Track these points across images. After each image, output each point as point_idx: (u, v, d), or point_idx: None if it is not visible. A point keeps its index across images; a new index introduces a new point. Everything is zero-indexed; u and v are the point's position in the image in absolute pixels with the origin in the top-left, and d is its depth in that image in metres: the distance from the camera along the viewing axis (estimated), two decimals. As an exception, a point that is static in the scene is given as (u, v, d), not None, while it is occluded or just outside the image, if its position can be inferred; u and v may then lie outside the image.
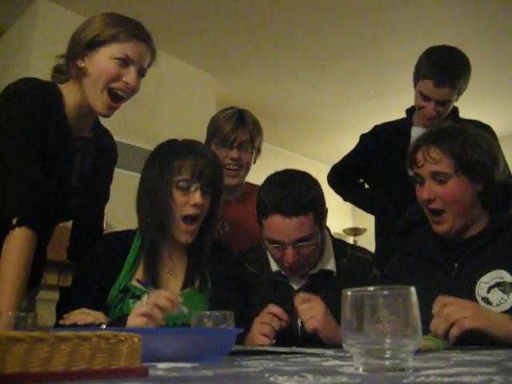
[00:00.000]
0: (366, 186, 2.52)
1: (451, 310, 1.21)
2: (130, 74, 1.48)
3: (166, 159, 1.46)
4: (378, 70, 4.80)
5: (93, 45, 1.47)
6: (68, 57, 1.52)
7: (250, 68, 4.88)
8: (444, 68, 2.06)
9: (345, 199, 2.53)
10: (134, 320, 1.16)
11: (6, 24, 4.08)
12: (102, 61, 1.47)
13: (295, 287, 1.61)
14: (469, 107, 5.84)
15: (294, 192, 1.49)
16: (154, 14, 3.95)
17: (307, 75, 5.00)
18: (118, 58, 1.46)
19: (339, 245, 1.72)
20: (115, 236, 1.60)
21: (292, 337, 1.50)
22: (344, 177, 2.45)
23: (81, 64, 1.48)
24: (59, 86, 1.56)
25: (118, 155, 1.80)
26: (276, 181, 1.55)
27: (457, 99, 2.17)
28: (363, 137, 2.45)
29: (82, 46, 1.48)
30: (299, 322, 1.53)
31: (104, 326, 1.21)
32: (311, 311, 1.36)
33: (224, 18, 4.09)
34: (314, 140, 6.49)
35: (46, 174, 1.46)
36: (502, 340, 1.19)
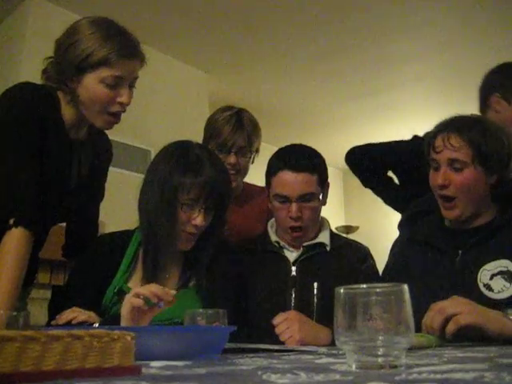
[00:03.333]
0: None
1: (445, 305, 1.22)
2: (124, 94, 1.46)
3: (176, 171, 1.40)
4: (368, 68, 4.80)
5: (82, 68, 1.43)
6: (57, 74, 1.48)
7: (242, 66, 4.88)
8: None
9: (366, 184, 2.34)
10: (129, 302, 1.16)
11: (-4, 21, 4.05)
12: (93, 86, 1.44)
13: (291, 259, 1.66)
14: (461, 104, 5.83)
15: (303, 152, 1.67)
16: (148, 12, 3.94)
17: (299, 73, 5.00)
18: (107, 84, 1.44)
19: (337, 234, 1.82)
20: (111, 237, 1.58)
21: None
22: (380, 162, 2.28)
23: (71, 85, 1.46)
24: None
25: (113, 154, 1.79)
26: (286, 147, 1.72)
27: None
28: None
29: (71, 69, 1.44)
30: (292, 297, 1.61)
31: (96, 325, 1.20)
32: (288, 331, 1.36)
33: (217, 16, 4.08)
34: (306, 138, 6.44)
35: (43, 177, 1.45)
36: (496, 335, 1.20)
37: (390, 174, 2.36)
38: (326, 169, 1.70)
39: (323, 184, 1.67)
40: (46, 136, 1.46)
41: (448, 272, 1.47)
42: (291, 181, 1.60)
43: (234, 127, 1.92)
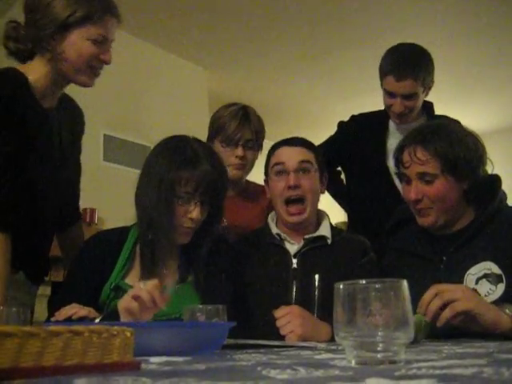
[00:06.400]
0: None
1: (445, 288, 1.22)
2: (108, 53, 1.52)
3: (173, 165, 1.41)
4: (367, 65, 4.77)
5: (67, 25, 1.45)
6: (33, 35, 1.48)
7: (242, 63, 4.87)
8: (403, 61, 2.08)
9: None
10: (125, 306, 1.16)
11: (-5, 17, 4.04)
12: (80, 42, 1.47)
13: (291, 252, 1.66)
14: (457, 103, 5.84)
15: (301, 137, 1.75)
16: (147, 9, 3.93)
17: (299, 70, 5.00)
18: (93, 40, 1.48)
19: (337, 228, 1.81)
20: (108, 233, 1.59)
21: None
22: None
23: (52, 43, 1.47)
24: (20, 66, 1.52)
25: (85, 123, 1.79)
26: None
27: (426, 94, 2.17)
28: (341, 124, 2.45)
29: (53, 27, 1.45)
30: (294, 290, 1.60)
31: (97, 320, 1.20)
32: (289, 326, 1.35)
33: (217, 13, 4.07)
34: (305, 135, 6.42)
35: (27, 155, 1.46)
36: (491, 325, 1.21)
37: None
38: (321, 155, 1.74)
39: (320, 164, 1.70)
40: (21, 115, 1.45)
41: (434, 279, 1.45)
42: (289, 152, 1.66)
43: (241, 121, 1.94)
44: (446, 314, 1.19)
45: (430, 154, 1.45)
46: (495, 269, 1.41)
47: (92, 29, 1.47)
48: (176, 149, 1.45)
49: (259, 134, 1.99)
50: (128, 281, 1.45)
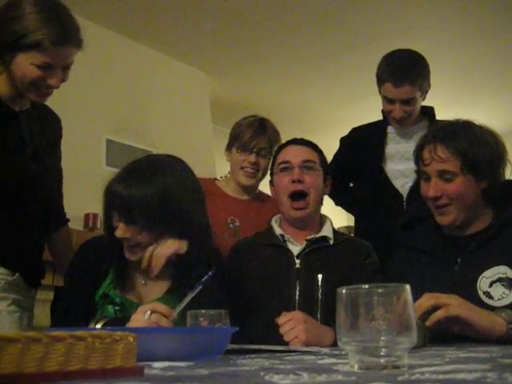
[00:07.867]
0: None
1: (440, 294, 1.24)
2: (54, 78, 1.50)
3: (114, 179, 1.46)
4: (370, 68, 4.77)
5: (15, 47, 1.45)
6: None
7: (243, 67, 4.87)
8: (399, 68, 2.14)
9: (336, 203, 2.54)
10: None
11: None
12: (24, 65, 1.47)
13: (294, 253, 1.67)
14: (469, 104, 5.83)
15: (306, 139, 1.83)
16: (148, 13, 3.94)
17: (300, 75, 5.00)
18: (38, 66, 1.47)
19: (339, 232, 1.82)
20: (104, 239, 1.57)
21: (290, 309, 1.53)
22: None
23: (5, 57, 1.49)
24: None
25: (62, 129, 1.80)
26: None
27: (423, 98, 2.21)
28: (343, 140, 2.51)
29: (5, 44, 1.46)
30: (297, 290, 1.60)
31: (99, 326, 1.20)
32: (293, 332, 1.35)
33: (218, 18, 4.08)
34: (309, 138, 6.49)
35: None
36: (487, 331, 1.21)
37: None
38: (326, 159, 1.80)
39: (324, 166, 1.76)
40: None
41: (447, 280, 1.47)
42: (294, 150, 1.75)
43: (257, 130, 2.08)
44: (440, 313, 1.20)
45: (451, 152, 1.45)
46: (510, 273, 1.41)
47: (37, 56, 1.45)
48: (127, 164, 1.50)
49: (274, 144, 2.09)
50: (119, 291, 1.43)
